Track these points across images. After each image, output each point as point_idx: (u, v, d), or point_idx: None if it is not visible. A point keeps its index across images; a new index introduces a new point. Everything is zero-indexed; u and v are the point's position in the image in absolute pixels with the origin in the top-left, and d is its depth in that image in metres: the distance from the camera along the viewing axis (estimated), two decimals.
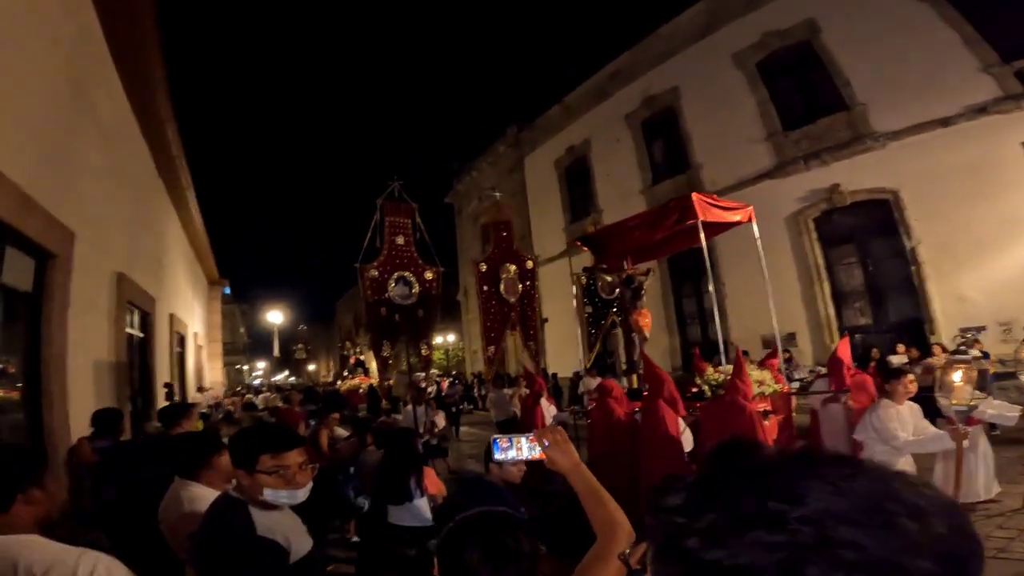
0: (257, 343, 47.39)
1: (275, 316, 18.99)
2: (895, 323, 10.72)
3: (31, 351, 4.29)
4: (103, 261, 6.50)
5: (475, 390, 18.49)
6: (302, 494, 1.76)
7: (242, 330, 43.05)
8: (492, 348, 8.12)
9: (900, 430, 3.45)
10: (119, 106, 7.67)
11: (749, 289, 11.29)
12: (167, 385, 9.19)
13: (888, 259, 10.81)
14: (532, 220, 20.20)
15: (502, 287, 8.20)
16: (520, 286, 8.40)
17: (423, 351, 7.30)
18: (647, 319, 6.13)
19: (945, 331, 9.76)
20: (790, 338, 10.97)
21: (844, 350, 5.78)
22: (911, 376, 3.83)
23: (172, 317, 11.35)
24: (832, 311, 11.27)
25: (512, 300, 8.28)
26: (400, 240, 7.34)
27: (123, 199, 7.64)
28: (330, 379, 38.04)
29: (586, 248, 6.65)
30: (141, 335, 8.77)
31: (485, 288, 8.19)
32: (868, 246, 11.24)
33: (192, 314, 15.41)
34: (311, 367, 53.12)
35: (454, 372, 25.39)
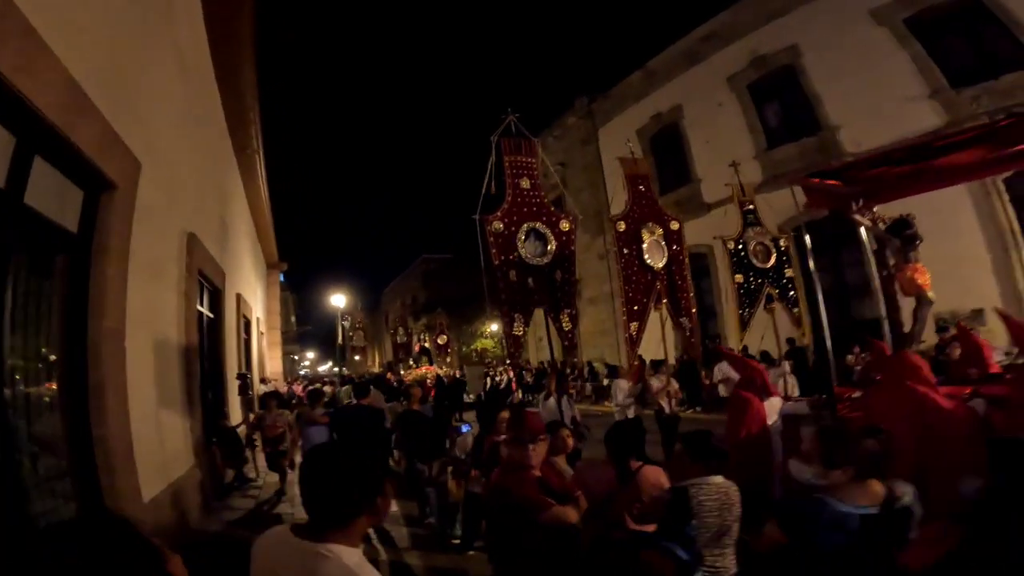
0: (304, 332, 47.11)
1: (338, 300, 17.40)
2: None
3: (73, 322, 2.84)
4: (173, 214, 5.10)
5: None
6: None
7: (292, 319, 42.88)
8: (635, 325, 6.43)
9: None
10: (196, 30, 6.42)
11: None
12: (241, 375, 7.95)
13: None
14: (610, 195, 18.60)
15: (645, 249, 6.53)
16: (667, 251, 6.71)
17: (565, 325, 5.69)
18: (926, 276, 4.27)
19: None
20: (976, 315, 9.04)
21: None
22: None
23: (239, 298, 10.13)
24: None
25: (658, 267, 6.61)
26: (525, 183, 5.79)
27: (194, 145, 6.28)
28: (378, 370, 36.92)
29: (811, 185, 4.70)
30: (211, 315, 7.49)
31: (626, 251, 6.52)
32: None
33: (255, 297, 14.33)
34: (356, 357, 52.65)
35: (529, 362, 23.97)
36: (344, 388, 11.23)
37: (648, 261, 6.73)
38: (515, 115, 6.11)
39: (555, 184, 22.47)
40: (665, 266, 6.87)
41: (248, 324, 12.06)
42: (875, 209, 4.50)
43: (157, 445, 4.34)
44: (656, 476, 2.36)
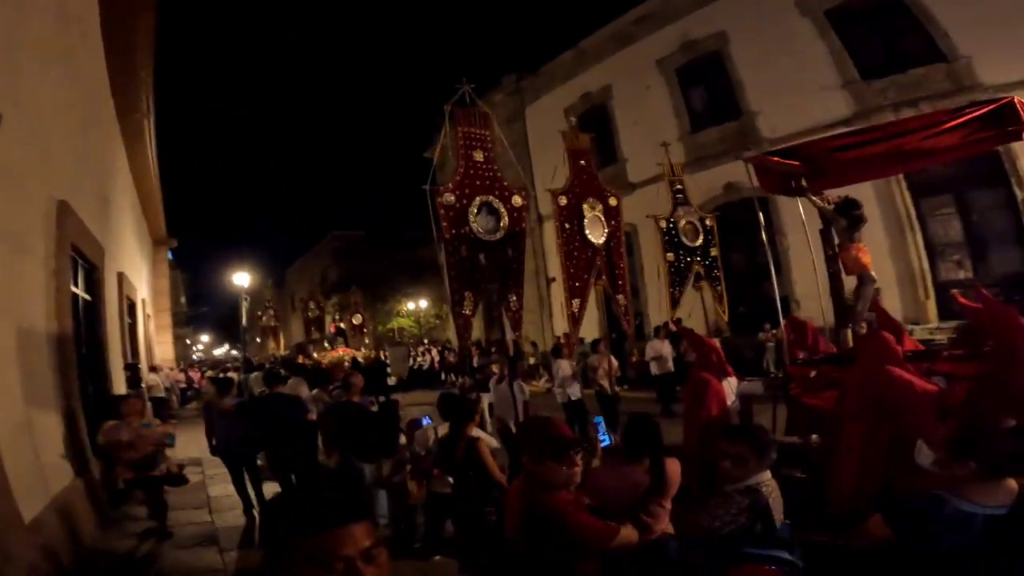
0: (197, 314, 43.07)
1: (241, 278, 15.41)
2: (1001, 277, 9.84)
3: None
4: (39, 177, 4.15)
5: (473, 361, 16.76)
6: None
7: (183, 299, 38.96)
8: (576, 302, 6.30)
9: None
10: None
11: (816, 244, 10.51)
12: (129, 367, 6.82)
13: (991, 210, 10.06)
14: (535, 174, 18.60)
15: (586, 224, 6.42)
16: (606, 227, 6.63)
17: (512, 305, 5.43)
18: (868, 255, 4.49)
19: None
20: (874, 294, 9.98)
21: None
22: None
23: (122, 277, 8.77)
24: (926, 264, 10.40)
25: (598, 243, 6.52)
26: (478, 156, 5.46)
27: (71, 102, 5.20)
28: (284, 352, 34.45)
29: (764, 164, 4.68)
30: (88, 297, 6.33)
31: (567, 227, 6.36)
32: (966, 197, 10.49)
33: (140, 276, 12.61)
34: (259, 339, 49.03)
35: (444, 341, 23.41)
36: (253, 375, 10.18)
37: (589, 237, 6.61)
38: (471, 85, 5.72)
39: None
40: (604, 242, 6.79)
41: (133, 306, 10.59)
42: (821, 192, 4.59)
43: (31, 455, 3.59)
44: (678, 471, 2.16)
